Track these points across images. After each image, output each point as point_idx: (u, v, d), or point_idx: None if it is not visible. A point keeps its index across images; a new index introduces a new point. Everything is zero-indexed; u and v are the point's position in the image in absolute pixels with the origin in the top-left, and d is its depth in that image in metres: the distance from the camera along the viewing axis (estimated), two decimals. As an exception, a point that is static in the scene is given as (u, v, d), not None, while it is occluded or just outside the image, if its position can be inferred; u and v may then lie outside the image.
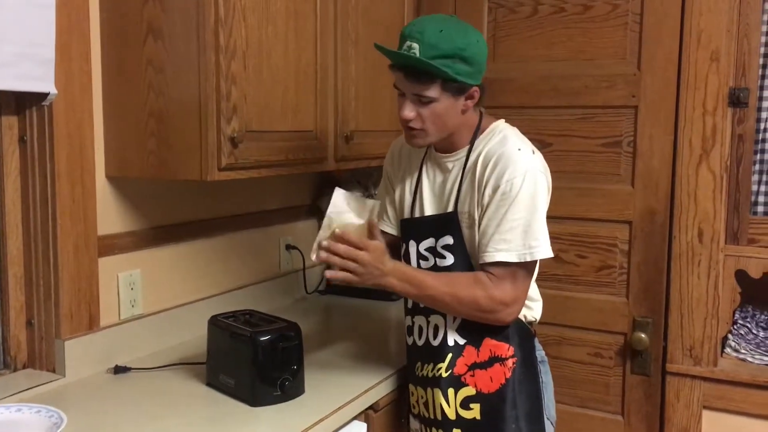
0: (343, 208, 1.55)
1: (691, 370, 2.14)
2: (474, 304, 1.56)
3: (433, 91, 1.53)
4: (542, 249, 1.55)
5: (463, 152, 1.65)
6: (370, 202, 1.59)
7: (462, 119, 1.61)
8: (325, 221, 1.54)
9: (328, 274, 1.56)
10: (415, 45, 1.48)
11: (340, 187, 1.59)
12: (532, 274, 1.62)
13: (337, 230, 1.52)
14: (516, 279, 1.57)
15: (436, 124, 1.58)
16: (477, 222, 1.60)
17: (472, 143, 1.64)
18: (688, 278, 2.13)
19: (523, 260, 1.54)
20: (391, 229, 1.82)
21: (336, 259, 1.51)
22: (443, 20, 1.54)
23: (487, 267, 1.57)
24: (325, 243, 1.52)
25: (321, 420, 1.54)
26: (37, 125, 1.68)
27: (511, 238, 1.54)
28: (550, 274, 2.30)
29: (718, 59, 2.05)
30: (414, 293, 1.60)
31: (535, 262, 1.59)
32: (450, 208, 1.65)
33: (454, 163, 1.67)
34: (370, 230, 1.57)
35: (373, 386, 1.74)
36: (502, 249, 1.54)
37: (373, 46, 1.59)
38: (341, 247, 1.51)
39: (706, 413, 2.14)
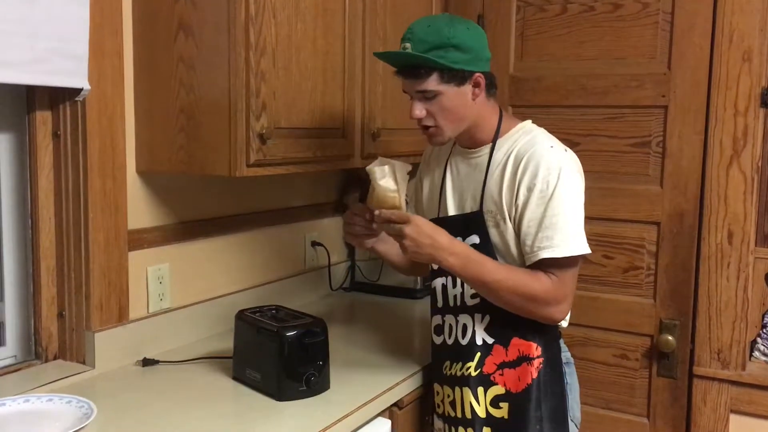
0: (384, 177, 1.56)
1: (719, 373, 2.12)
2: (529, 294, 1.54)
3: (432, 83, 1.55)
4: (583, 245, 1.55)
5: (486, 149, 1.65)
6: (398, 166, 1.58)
7: (476, 109, 1.61)
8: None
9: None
10: (408, 44, 1.55)
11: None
12: (577, 271, 1.61)
13: (377, 211, 1.54)
14: (563, 276, 1.56)
15: (447, 118, 1.59)
16: (507, 220, 1.59)
17: (494, 141, 1.64)
18: (717, 280, 2.11)
19: (566, 255, 1.53)
20: None
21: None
22: (433, 18, 1.61)
23: (534, 267, 1.57)
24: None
25: (346, 416, 1.54)
26: (71, 120, 1.71)
27: (552, 234, 1.53)
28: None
29: (751, 59, 2.02)
30: (469, 275, 1.56)
31: (579, 258, 1.58)
32: (474, 207, 1.65)
33: (478, 160, 1.67)
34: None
35: (398, 383, 1.75)
36: (545, 246, 1.54)
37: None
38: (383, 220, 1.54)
39: (733, 417, 2.11)
